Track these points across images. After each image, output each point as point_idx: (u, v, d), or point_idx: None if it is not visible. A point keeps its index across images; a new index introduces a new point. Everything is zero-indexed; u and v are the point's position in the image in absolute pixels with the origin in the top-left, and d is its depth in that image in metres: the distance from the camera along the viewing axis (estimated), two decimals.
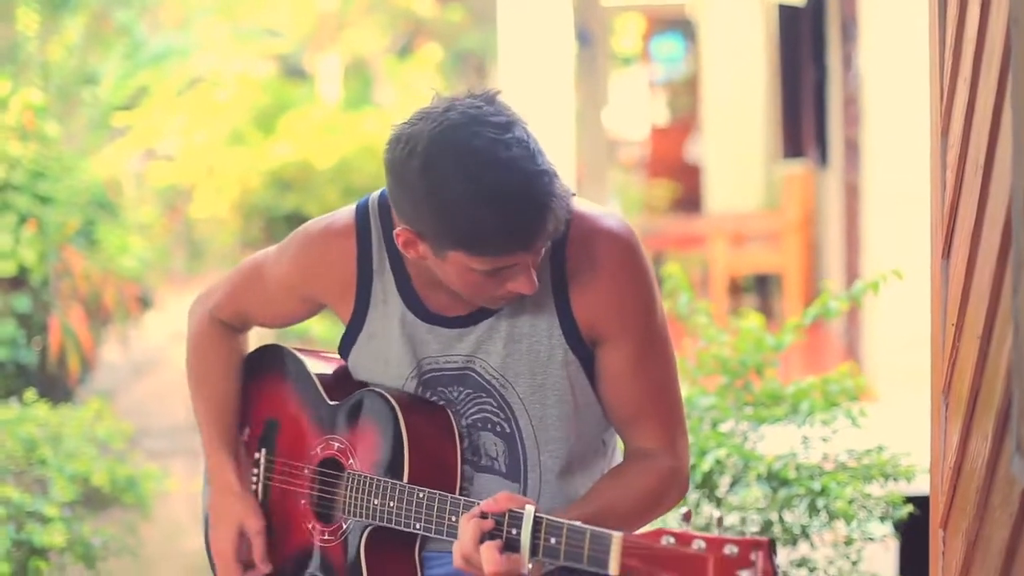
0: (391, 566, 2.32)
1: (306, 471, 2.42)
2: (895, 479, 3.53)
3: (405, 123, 2.14)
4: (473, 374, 2.30)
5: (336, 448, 2.37)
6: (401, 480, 2.26)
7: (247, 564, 2.48)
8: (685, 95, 17.89)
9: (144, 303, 8.40)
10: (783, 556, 3.62)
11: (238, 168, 9.43)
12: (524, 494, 2.31)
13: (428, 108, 2.13)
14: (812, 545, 3.58)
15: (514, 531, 2.08)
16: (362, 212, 2.37)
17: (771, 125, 12.43)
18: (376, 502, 2.28)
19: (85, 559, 4.51)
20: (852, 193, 8.88)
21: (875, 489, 3.55)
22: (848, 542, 3.55)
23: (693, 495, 3.56)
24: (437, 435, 2.31)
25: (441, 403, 2.34)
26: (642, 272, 2.27)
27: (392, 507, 2.26)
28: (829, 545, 3.64)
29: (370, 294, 2.35)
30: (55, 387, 6.99)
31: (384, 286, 2.34)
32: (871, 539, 3.58)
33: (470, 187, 2.05)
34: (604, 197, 10.25)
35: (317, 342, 7.50)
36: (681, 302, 3.89)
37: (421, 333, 2.32)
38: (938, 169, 2.50)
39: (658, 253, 10.63)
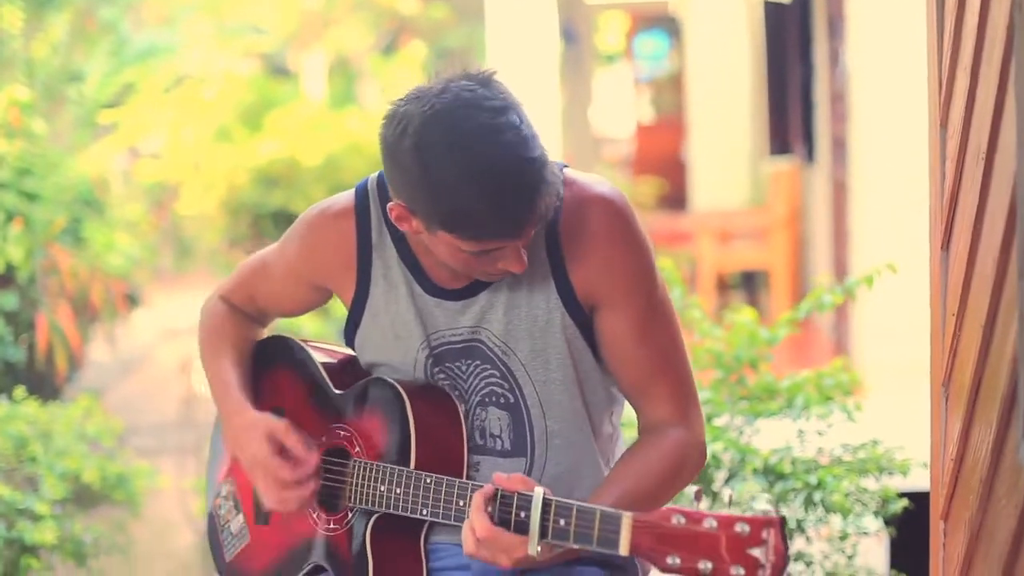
0: (397, 555, 2.31)
1: None
2: (890, 473, 3.52)
3: (401, 100, 2.15)
4: (480, 345, 2.31)
5: (342, 436, 2.37)
6: (407, 467, 2.25)
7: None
8: (669, 92, 17.91)
9: (132, 301, 8.37)
10: None
11: (225, 165, 9.40)
12: (530, 464, 2.31)
13: (424, 87, 2.14)
14: (808, 539, 3.57)
15: (523, 514, 2.08)
16: (361, 193, 2.39)
17: (756, 122, 12.44)
18: (382, 488, 2.27)
19: (76, 557, 4.50)
20: (839, 189, 8.90)
21: (869, 483, 3.54)
22: (843, 537, 3.55)
23: (688, 488, 3.55)
24: (443, 421, 2.31)
25: (449, 383, 2.33)
26: (635, 236, 2.27)
27: (399, 493, 2.25)
28: (824, 540, 3.63)
29: (370, 271, 2.36)
30: (43, 385, 6.96)
31: (385, 262, 2.35)
32: (865, 533, 3.58)
33: (459, 171, 2.06)
34: None
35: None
36: (673, 296, 3.89)
37: (429, 307, 2.33)
38: (937, 160, 2.49)
39: None
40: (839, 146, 8.88)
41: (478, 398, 2.32)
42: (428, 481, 2.23)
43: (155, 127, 9.86)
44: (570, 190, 2.27)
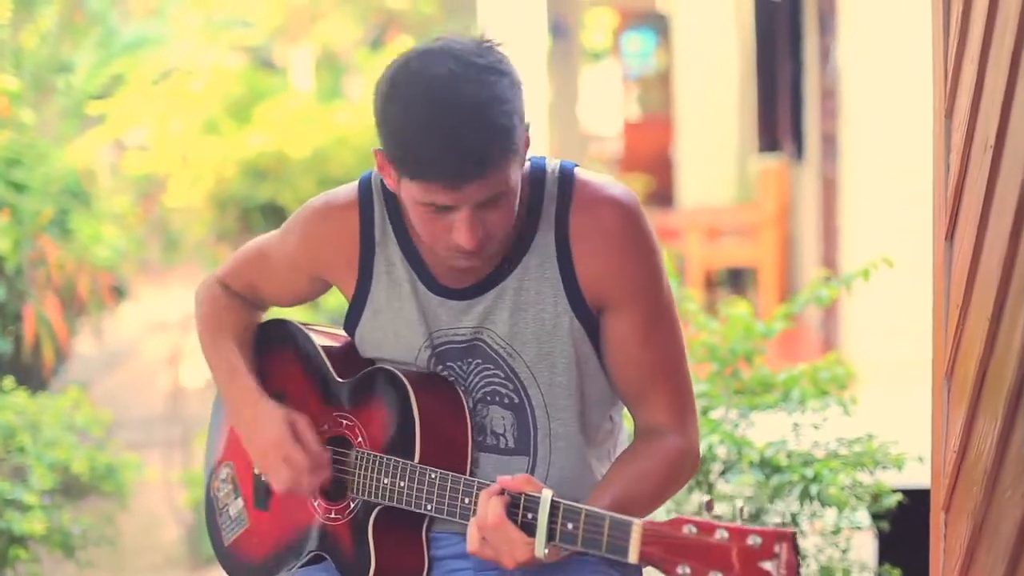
0: (399, 544, 2.29)
1: None
2: (884, 467, 3.52)
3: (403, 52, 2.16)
4: (482, 345, 2.28)
5: (345, 426, 2.35)
6: (411, 459, 2.24)
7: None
8: (655, 90, 17.91)
9: (118, 293, 8.34)
10: None
11: (213, 158, 9.38)
12: (533, 465, 2.29)
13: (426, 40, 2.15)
14: (802, 533, 3.57)
15: (530, 515, 2.06)
16: (364, 185, 2.36)
17: (744, 119, 12.44)
18: (386, 481, 2.25)
19: (64, 548, 4.47)
20: (829, 187, 8.90)
21: (863, 478, 3.54)
22: (836, 531, 3.54)
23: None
24: (448, 414, 2.29)
25: (451, 379, 2.32)
26: (646, 239, 2.25)
27: (402, 487, 2.23)
28: (818, 534, 3.63)
29: (372, 266, 2.34)
30: (29, 377, 6.92)
31: (388, 258, 2.33)
32: (859, 528, 3.58)
33: (414, 104, 2.05)
34: None
35: None
36: None
37: (433, 305, 2.30)
38: (941, 151, 2.48)
39: None
40: (829, 143, 8.89)
41: (479, 395, 2.31)
42: (433, 477, 2.21)
43: (143, 119, 9.82)
44: (582, 190, 2.25)
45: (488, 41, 2.13)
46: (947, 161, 2.45)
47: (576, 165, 2.28)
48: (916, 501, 3.56)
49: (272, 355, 2.50)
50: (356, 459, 2.31)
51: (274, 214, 8.87)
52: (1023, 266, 1.96)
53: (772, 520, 3.51)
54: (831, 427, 3.62)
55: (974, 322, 2.26)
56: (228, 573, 2.56)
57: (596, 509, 2.01)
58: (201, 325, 2.52)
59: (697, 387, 3.66)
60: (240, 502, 2.52)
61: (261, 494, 2.48)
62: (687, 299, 3.89)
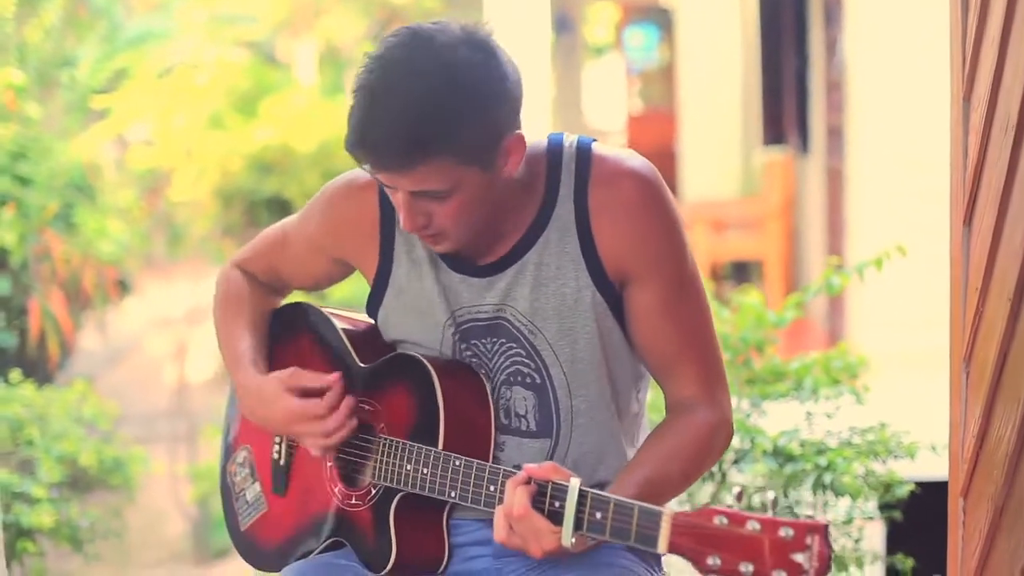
0: (419, 531, 2.27)
1: None
2: (897, 456, 3.50)
3: None
4: (505, 323, 2.27)
5: (367, 411, 2.33)
6: (435, 446, 2.22)
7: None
8: (657, 84, 17.89)
9: (123, 287, 8.34)
10: None
11: (218, 152, 9.37)
12: (554, 444, 2.27)
13: None
14: None
15: (557, 503, 2.04)
16: None
17: (749, 112, 12.42)
18: (409, 468, 2.23)
19: (72, 541, 4.46)
20: (835, 179, 8.88)
21: (876, 467, 3.53)
22: (848, 520, 3.53)
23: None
24: (472, 401, 2.27)
25: (475, 361, 2.30)
26: (666, 210, 2.23)
27: (426, 474, 2.21)
28: (831, 523, 3.61)
29: (393, 246, 2.32)
30: (35, 371, 6.93)
31: (408, 238, 2.31)
32: (871, 518, 3.56)
33: (359, 86, 2.08)
34: None
35: None
36: None
37: (454, 282, 2.29)
38: (959, 134, 2.46)
39: None
40: (835, 135, 8.87)
41: (503, 377, 2.29)
42: (458, 464, 2.19)
43: (147, 113, 9.82)
44: (600, 164, 2.23)
45: (482, 30, 2.12)
46: (965, 144, 2.43)
47: (594, 140, 2.26)
48: (925, 492, 3.55)
49: (292, 339, 2.48)
50: (378, 445, 2.30)
51: (280, 208, 8.85)
52: None
53: (784, 509, 3.49)
54: (842, 416, 3.60)
55: (994, 304, 2.24)
56: (244, 558, 2.54)
57: (625, 499, 1.98)
58: (216, 307, 2.52)
59: None
60: (257, 486, 2.50)
61: (279, 478, 2.46)
62: None
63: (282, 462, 2.45)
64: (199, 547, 7.09)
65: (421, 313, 2.31)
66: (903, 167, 7.69)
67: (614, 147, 2.29)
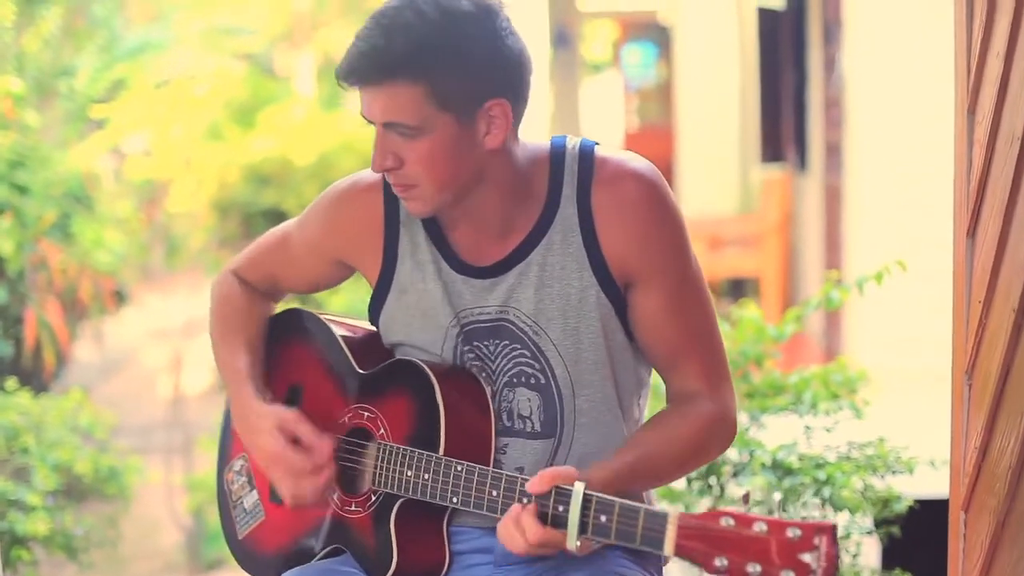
0: (420, 538, 2.27)
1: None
2: (895, 472, 3.49)
3: None
4: (508, 324, 2.27)
5: (366, 417, 2.32)
6: (435, 452, 2.21)
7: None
8: (654, 101, 17.92)
9: (120, 298, 8.33)
10: None
11: (216, 163, 9.37)
12: (557, 444, 2.27)
13: None
14: None
15: (560, 508, 2.04)
16: None
17: (745, 130, 12.44)
18: (409, 473, 2.22)
19: (67, 550, 4.45)
20: (833, 196, 8.88)
21: (874, 482, 3.52)
22: (845, 536, 3.52)
23: (696, 483, 3.53)
24: (472, 406, 2.26)
25: (478, 364, 2.29)
26: (670, 211, 2.24)
27: (427, 479, 2.20)
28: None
29: (397, 247, 2.32)
30: (30, 381, 6.90)
31: (412, 238, 2.31)
32: (870, 533, 3.55)
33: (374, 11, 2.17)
34: None
35: None
36: None
37: (457, 284, 2.29)
38: (963, 146, 2.46)
39: None
40: (833, 152, 8.87)
41: (506, 379, 2.28)
42: (459, 469, 2.18)
43: (145, 123, 9.82)
44: (603, 165, 2.24)
45: (489, 4, 2.16)
46: (969, 157, 2.43)
47: (596, 143, 2.28)
48: (922, 508, 3.55)
49: (290, 346, 2.48)
50: (378, 451, 2.29)
51: (277, 220, 8.81)
52: None
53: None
54: (841, 431, 3.60)
55: (998, 316, 2.24)
56: (242, 566, 2.53)
57: (630, 502, 1.99)
58: (213, 321, 2.50)
59: None
60: (255, 494, 2.49)
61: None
62: None
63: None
64: (193, 558, 7.08)
65: (424, 315, 2.30)
66: (901, 184, 7.69)
67: (616, 149, 2.29)
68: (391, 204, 2.32)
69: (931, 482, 3.51)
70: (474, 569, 2.30)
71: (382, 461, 2.27)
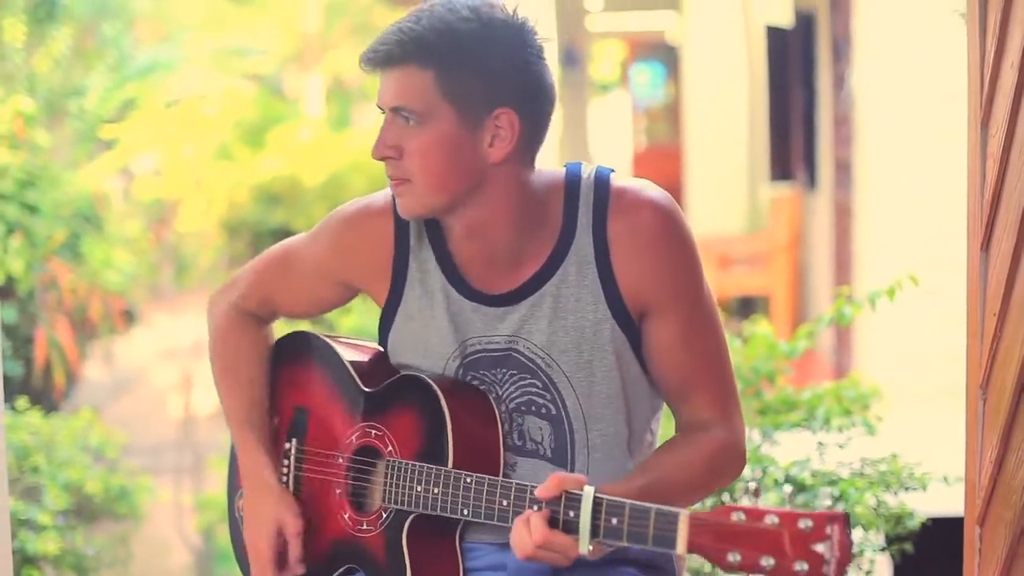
0: (433, 555, 2.25)
1: (340, 460, 2.34)
2: (908, 488, 3.48)
3: None
4: (516, 355, 2.25)
5: (373, 435, 2.31)
6: (444, 465, 2.20)
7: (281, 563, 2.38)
8: (662, 121, 17.95)
9: (129, 318, 8.33)
10: None
11: (225, 183, 9.38)
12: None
13: None
14: None
15: (571, 513, 2.03)
16: None
17: (754, 149, 12.44)
18: (419, 489, 2.21)
19: (77, 569, 4.45)
20: (843, 214, 8.87)
21: (887, 498, 3.51)
22: (858, 552, 3.51)
23: (709, 499, 3.51)
24: (479, 419, 2.25)
25: (481, 387, 2.28)
26: (686, 241, 2.23)
27: (437, 493, 2.19)
28: None
29: (406, 273, 2.31)
30: (40, 401, 6.91)
31: (421, 264, 2.30)
32: (884, 549, 3.54)
33: None
34: None
35: None
36: None
37: (466, 312, 2.27)
38: (976, 160, 2.45)
39: None
40: (843, 170, 8.87)
41: (514, 404, 2.27)
42: (468, 481, 2.17)
43: (155, 143, 9.83)
44: (619, 195, 2.22)
45: (523, 24, 2.18)
46: (983, 171, 2.42)
47: (612, 171, 2.26)
48: (935, 526, 3.54)
49: (295, 368, 2.46)
50: (387, 468, 2.28)
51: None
52: None
53: None
54: (853, 447, 3.59)
55: (1012, 330, 2.23)
56: None
57: (640, 503, 1.98)
58: (212, 357, 2.48)
59: None
60: None
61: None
62: None
63: (290, 491, 2.43)
64: None
65: (427, 342, 2.29)
66: (912, 202, 7.68)
67: (631, 178, 2.28)
68: (401, 230, 2.30)
69: (944, 499, 3.50)
70: None
71: (391, 478, 2.25)
